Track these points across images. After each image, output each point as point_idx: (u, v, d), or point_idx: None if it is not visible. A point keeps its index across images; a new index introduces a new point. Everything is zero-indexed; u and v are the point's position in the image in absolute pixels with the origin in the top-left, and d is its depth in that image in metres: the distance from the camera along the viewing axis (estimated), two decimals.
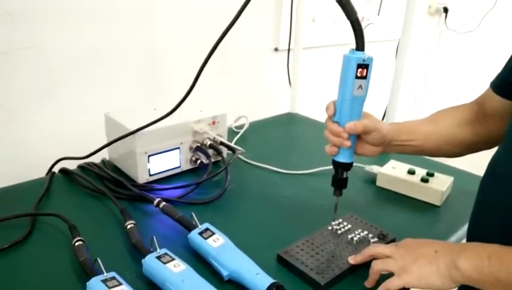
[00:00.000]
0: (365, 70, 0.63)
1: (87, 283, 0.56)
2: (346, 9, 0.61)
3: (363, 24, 0.62)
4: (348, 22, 0.62)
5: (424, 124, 0.77)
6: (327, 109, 0.68)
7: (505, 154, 0.61)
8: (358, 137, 0.70)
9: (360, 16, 0.61)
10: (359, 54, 0.62)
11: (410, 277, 0.57)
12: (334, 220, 0.75)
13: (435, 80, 2.69)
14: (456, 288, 0.61)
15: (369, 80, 0.64)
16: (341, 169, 0.70)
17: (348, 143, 0.67)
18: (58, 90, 1.09)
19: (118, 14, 1.14)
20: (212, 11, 1.33)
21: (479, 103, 0.76)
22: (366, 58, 0.62)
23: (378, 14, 1.97)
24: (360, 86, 0.64)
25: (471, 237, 0.67)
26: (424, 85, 2.63)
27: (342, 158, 0.69)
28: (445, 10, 2.46)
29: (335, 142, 0.68)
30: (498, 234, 0.59)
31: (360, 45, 0.63)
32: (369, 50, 0.63)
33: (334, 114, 0.68)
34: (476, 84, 2.92)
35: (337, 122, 0.67)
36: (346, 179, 0.70)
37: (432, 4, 2.43)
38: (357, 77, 0.63)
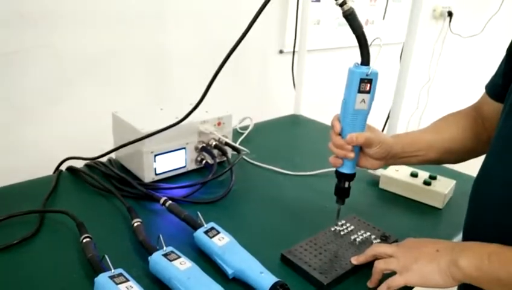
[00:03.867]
0: (368, 85, 0.63)
1: (95, 279, 0.57)
2: (352, 23, 0.62)
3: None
4: None
5: (426, 134, 0.77)
6: (333, 126, 0.69)
7: (495, 155, 0.62)
8: (361, 149, 0.70)
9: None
10: (363, 68, 0.62)
11: (412, 276, 0.58)
12: (336, 225, 0.75)
13: (438, 84, 2.69)
14: (456, 287, 0.62)
15: (374, 95, 0.64)
16: (343, 179, 0.70)
17: (352, 155, 0.67)
18: (66, 90, 1.11)
19: (126, 18, 1.16)
20: (217, 17, 1.34)
21: (477, 108, 0.77)
22: (369, 72, 0.62)
23: (384, 18, 1.98)
24: (363, 100, 0.64)
25: (466, 235, 0.68)
26: (428, 88, 2.64)
27: (345, 169, 0.70)
28: (450, 14, 2.47)
29: (339, 154, 0.68)
30: (491, 232, 0.60)
31: (365, 59, 0.63)
32: (373, 60, 0.63)
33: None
34: (480, 88, 2.92)
35: (340, 135, 0.68)
36: (349, 188, 0.71)
37: (436, 8, 2.44)
38: (359, 91, 0.63)
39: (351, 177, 0.70)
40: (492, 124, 0.72)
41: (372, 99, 0.65)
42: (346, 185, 0.71)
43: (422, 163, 0.77)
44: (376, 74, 0.63)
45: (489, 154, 0.64)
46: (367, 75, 0.62)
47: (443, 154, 0.75)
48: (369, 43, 0.63)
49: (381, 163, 0.73)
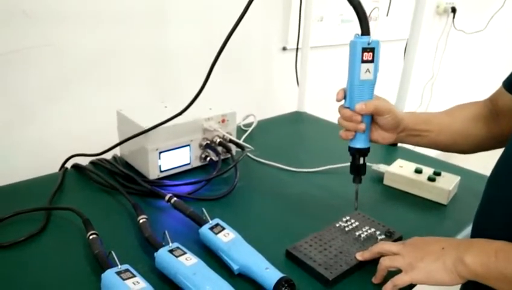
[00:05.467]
0: (371, 54, 0.64)
1: (102, 274, 0.58)
2: None
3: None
4: (354, 23, 0.63)
5: (440, 115, 0.77)
6: (337, 94, 0.69)
7: None
8: (371, 122, 0.70)
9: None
10: (364, 38, 0.63)
11: (418, 273, 0.57)
12: (356, 209, 0.75)
13: (442, 80, 2.68)
14: (460, 286, 0.62)
15: (378, 63, 0.65)
16: (358, 155, 0.70)
17: (362, 126, 0.67)
18: (71, 88, 1.12)
19: (129, 15, 1.16)
20: (220, 12, 1.34)
21: (492, 100, 0.76)
22: (371, 41, 0.63)
23: (387, 15, 1.97)
24: (368, 70, 0.64)
25: (475, 233, 0.68)
26: (431, 85, 2.63)
27: (358, 144, 0.69)
28: (453, 10, 2.46)
29: (349, 127, 0.68)
30: (502, 231, 0.60)
31: (364, 30, 0.64)
32: (377, 37, 0.64)
33: (345, 100, 0.68)
34: (484, 84, 2.91)
35: (348, 108, 0.68)
36: (364, 165, 0.70)
37: (440, 4, 2.43)
38: (363, 61, 0.64)
39: (365, 152, 0.70)
40: (507, 118, 0.72)
41: (376, 69, 0.65)
42: (361, 161, 0.70)
43: (432, 145, 0.77)
44: (377, 43, 0.64)
45: (507, 150, 0.64)
46: (368, 44, 0.63)
47: (454, 139, 0.75)
48: (367, 13, 0.64)
49: (392, 136, 0.73)
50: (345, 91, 0.69)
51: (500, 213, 0.62)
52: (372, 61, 0.64)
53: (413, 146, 0.87)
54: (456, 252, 0.56)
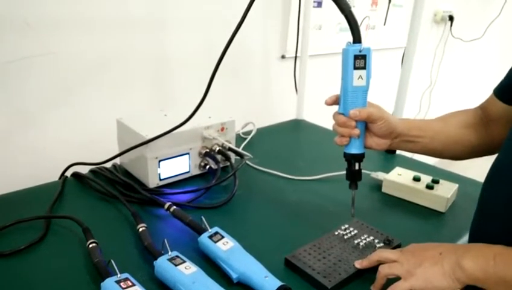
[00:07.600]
0: (363, 61, 0.65)
1: (102, 283, 0.58)
2: (339, 3, 0.64)
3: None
4: None
5: (433, 122, 0.79)
6: (327, 98, 0.71)
7: (506, 158, 0.63)
8: (366, 128, 0.71)
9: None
10: (356, 45, 0.65)
11: (416, 280, 0.57)
12: (352, 216, 0.75)
13: (440, 88, 2.70)
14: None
15: (370, 70, 0.66)
16: (353, 161, 0.71)
17: (357, 132, 0.68)
18: (72, 96, 1.12)
19: (129, 24, 1.17)
20: (220, 20, 1.35)
21: (483, 108, 0.78)
22: (362, 49, 0.65)
23: (385, 24, 1.99)
24: (360, 76, 0.66)
25: (473, 240, 0.68)
26: (430, 92, 2.65)
27: (353, 149, 0.70)
28: (451, 18, 2.48)
29: (344, 133, 0.69)
30: (499, 236, 0.60)
31: (356, 37, 0.65)
32: (375, 45, 0.65)
33: (339, 106, 0.70)
34: (481, 91, 2.92)
35: (342, 114, 0.69)
36: (360, 171, 0.71)
37: (437, 12, 2.45)
38: (355, 68, 0.65)
39: (360, 157, 0.70)
40: (497, 125, 0.73)
41: (369, 75, 0.66)
42: (357, 167, 0.71)
43: (426, 151, 0.78)
44: (369, 50, 0.65)
45: (500, 155, 0.64)
46: (360, 51, 0.65)
47: (446, 146, 0.76)
48: (358, 22, 0.66)
49: (386, 142, 0.74)
50: (337, 97, 0.70)
51: (495, 220, 0.62)
52: (364, 68, 0.66)
53: (411, 154, 0.88)
54: (454, 257, 0.56)
